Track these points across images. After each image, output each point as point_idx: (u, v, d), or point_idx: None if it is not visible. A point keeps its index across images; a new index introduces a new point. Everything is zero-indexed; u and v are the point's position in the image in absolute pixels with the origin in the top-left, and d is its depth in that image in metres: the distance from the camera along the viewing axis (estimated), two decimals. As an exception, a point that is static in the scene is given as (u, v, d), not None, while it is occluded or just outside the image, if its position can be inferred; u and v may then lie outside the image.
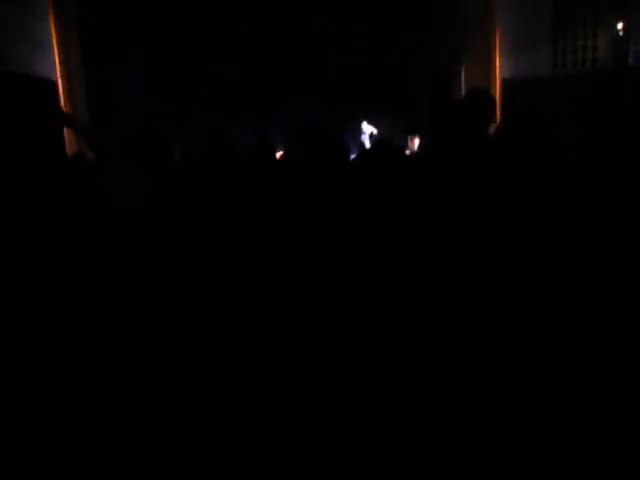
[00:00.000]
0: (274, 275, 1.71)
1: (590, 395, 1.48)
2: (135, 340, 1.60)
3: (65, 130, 8.04)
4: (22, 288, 1.65)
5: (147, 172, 2.40)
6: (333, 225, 1.85)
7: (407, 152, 8.64)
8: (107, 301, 1.65)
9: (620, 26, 8.01)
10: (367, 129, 10.31)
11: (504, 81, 9.06)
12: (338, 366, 1.58)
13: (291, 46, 10.12)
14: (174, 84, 9.94)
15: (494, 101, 2.72)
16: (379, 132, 10.03)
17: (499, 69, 9.36)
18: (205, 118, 9.77)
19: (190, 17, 9.77)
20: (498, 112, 8.47)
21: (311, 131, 2.72)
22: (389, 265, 1.73)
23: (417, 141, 9.12)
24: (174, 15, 9.70)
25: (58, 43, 8.02)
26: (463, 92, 9.90)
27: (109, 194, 2.14)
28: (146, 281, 1.68)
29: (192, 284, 1.70)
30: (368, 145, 9.91)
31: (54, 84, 7.90)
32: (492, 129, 3.00)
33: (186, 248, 1.78)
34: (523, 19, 8.89)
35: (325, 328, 1.62)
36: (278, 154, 4.11)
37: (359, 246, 1.76)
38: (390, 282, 1.70)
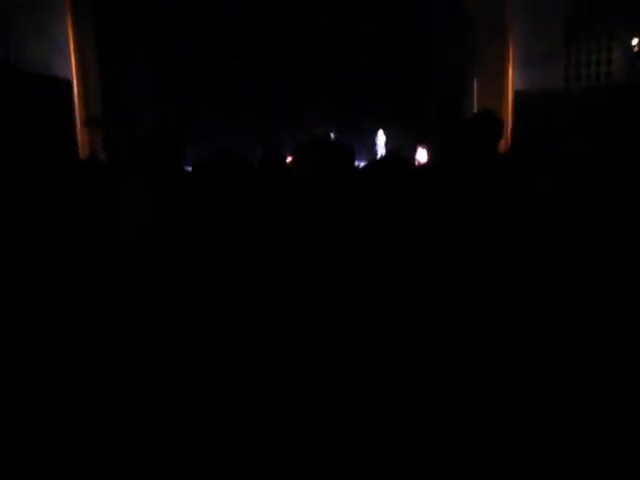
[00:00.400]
0: (279, 286, 1.69)
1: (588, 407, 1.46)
2: (137, 352, 1.57)
3: (79, 130, 8.13)
4: (23, 294, 1.64)
5: (155, 179, 2.37)
6: (337, 236, 1.85)
7: (415, 163, 8.69)
8: (109, 312, 1.62)
9: (635, 42, 8.08)
10: (381, 139, 10.35)
11: (517, 94, 9.09)
12: (338, 372, 1.57)
13: (301, 50, 10.15)
14: (183, 84, 9.96)
15: (502, 124, 2.71)
16: (390, 142, 10.04)
17: (512, 81, 9.28)
18: (213, 118, 10.00)
19: (198, 17, 9.80)
20: (510, 125, 8.82)
21: (319, 143, 2.74)
22: (391, 278, 1.72)
23: (424, 152, 9.04)
24: (185, 15, 9.75)
25: (74, 43, 8.10)
26: (475, 103, 9.88)
27: (117, 201, 2.15)
28: (150, 294, 1.67)
29: (197, 298, 1.67)
30: (382, 153, 9.92)
31: (69, 83, 7.97)
32: (501, 144, 3.01)
33: (192, 261, 1.76)
34: (536, 32, 8.89)
35: (327, 339, 1.60)
36: (288, 159, 4.10)
37: (362, 259, 1.75)
38: (391, 294, 1.68)
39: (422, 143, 9.09)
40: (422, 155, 8.90)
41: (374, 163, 2.79)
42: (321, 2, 9.90)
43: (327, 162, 2.34)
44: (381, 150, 10.25)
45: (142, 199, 2.17)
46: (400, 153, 2.95)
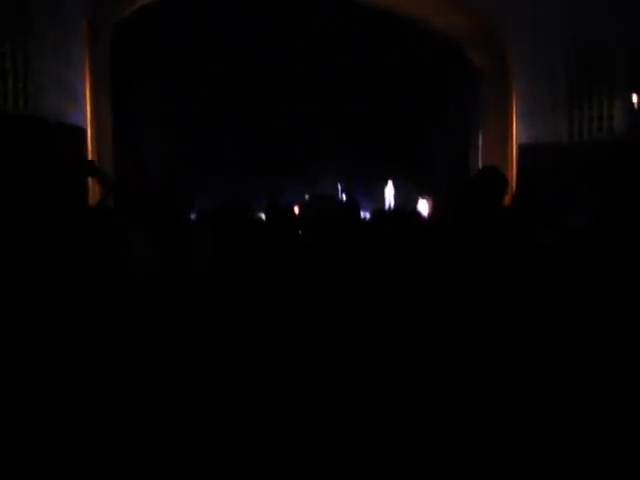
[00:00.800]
0: (284, 339, 1.74)
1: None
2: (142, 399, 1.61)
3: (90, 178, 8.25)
4: (31, 335, 1.68)
5: (163, 231, 2.42)
6: (343, 290, 1.87)
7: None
8: (116, 359, 1.67)
9: (635, 99, 8.25)
10: (390, 190, 10.42)
11: (521, 147, 9.21)
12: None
13: (310, 99, 10.29)
14: (192, 134, 10.13)
15: (506, 181, 2.77)
16: (397, 194, 10.12)
17: (516, 134, 9.40)
18: (221, 165, 10.14)
19: (209, 70, 10.03)
20: (515, 177, 8.95)
21: (323, 201, 2.83)
22: (392, 333, 1.77)
23: (425, 204, 9.04)
24: (197, 68, 9.96)
25: (91, 93, 8.34)
26: (480, 155, 10.03)
27: (124, 249, 2.18)
28: (154, 341, 1.71)
29: (200, 346, 1.72)
30: (391, 204, 9.97)
31: (84, 132, 8.16)
32: (507, 198, 3.05)
33: (196, 310, 1.79)
34: (540, 86, 9.05)
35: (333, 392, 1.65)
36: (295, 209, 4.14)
37: (370, 310, 1.79)
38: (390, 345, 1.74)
39: (424, 195, 9.13)
40: (423, 207, 8.91)
41: (381, 215, 2.80)
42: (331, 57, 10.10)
43: (331, 220, 2.39)
44: (389, 200, 10.29)
45: (149, 248, 2.22)
46: (403, 205, 2.93)
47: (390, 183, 10.44)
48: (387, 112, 10.44)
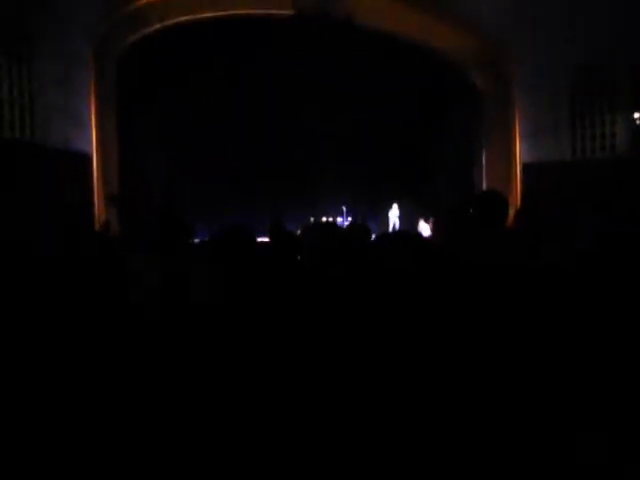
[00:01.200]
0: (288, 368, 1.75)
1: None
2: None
3: (96, 201, 8.30)
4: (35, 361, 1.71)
5: (165, 254, 2.45)
6: (346, 316, 1.88)
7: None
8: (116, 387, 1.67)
9: (637, 115, 8.31)
10: (395, 212, 10.37)
11: (525, 166, 9.21)
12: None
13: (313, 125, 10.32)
14: (195, 159, 10.22)
15: (507, 203, 2.78)
16: (401, 216, 10.12)
17: (519, 153, 9.41)
18: (223, 192, 10.17)
19: (213, 97, 10.12)
20: (519, 196, 8.95)
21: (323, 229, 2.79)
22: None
23: (426, 227, 8.93)
24: (201, 95, 10.04)
25: (96, 120, 8.43)
26: (484, 173, 10.04)
27: (127, 276, 2.22)
28: (156, 372, 1.72)
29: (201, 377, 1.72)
30: (396, 226, 9.93)
31: (89, 157, 8.24)
32: (510, 217, 3.04)
33: (200, 341, 1.80)
34: (542, 105, 9.07)
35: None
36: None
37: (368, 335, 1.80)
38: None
39: (424, 217, 9.08)
40: (424, 229, 8.81)
41: (385, 239, 2.81)
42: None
43: (331, 250, 2.40)
44: (393, 222, 10.24)
45: (153, 277, 2.24)
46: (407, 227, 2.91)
47: (395, 206, 10.42)
48: (390, 132, 10.48)
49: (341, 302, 1.90)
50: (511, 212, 2.96)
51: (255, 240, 2.26)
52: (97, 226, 7.80)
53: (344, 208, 10.10)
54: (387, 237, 2.81)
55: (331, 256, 2.33)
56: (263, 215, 7.02)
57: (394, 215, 10.35)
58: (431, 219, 8.43)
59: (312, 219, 9.10)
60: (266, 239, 3.34)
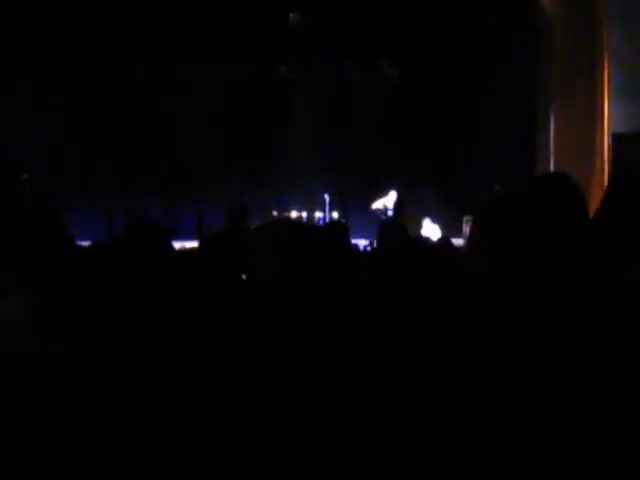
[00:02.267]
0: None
1: None
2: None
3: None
4: None
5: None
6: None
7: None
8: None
9: None
10: (392, 200, 8.70)
11: (616, 137, 7.68)
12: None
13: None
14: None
15: (581, 197, 2.21)
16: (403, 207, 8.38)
17: (607, 117, 7.73)
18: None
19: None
20: (606, 179, 7.47)
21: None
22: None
23: (435, 228, 7.99)
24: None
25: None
26: (552, 152, 8.45)
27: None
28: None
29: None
30: (390, 214, 8.48)
31: None
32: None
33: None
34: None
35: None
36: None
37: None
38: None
39: (431, 215, 8.09)
40: (432, 230, 7.84)
41: (391, 251, 2.56)
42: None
43: (292, 265, 1.97)
44: (381, 214, 8.75)
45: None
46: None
47: (392, 193, 8.51)
48: (402, 83, 8.89)
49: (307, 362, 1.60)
50: (591, 207, 2.49)
51: (171, 245, 2.18)
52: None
53: (327, 197, 8.28)
54: (393, 248, 2.73)
55: (293, 275, 1.95)
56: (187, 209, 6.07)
57: (381, 203, 8.61)
58: (466, 219, 7.44)
59: (275, 213, 7.74)
60: (194, 244, 3.10)
